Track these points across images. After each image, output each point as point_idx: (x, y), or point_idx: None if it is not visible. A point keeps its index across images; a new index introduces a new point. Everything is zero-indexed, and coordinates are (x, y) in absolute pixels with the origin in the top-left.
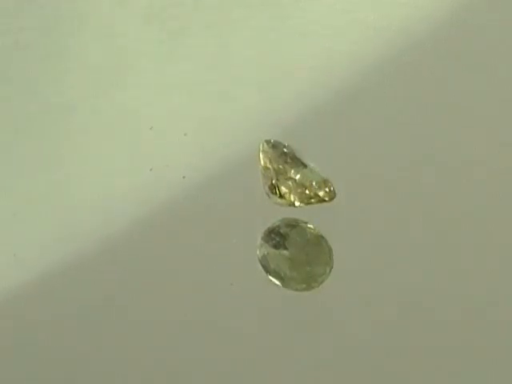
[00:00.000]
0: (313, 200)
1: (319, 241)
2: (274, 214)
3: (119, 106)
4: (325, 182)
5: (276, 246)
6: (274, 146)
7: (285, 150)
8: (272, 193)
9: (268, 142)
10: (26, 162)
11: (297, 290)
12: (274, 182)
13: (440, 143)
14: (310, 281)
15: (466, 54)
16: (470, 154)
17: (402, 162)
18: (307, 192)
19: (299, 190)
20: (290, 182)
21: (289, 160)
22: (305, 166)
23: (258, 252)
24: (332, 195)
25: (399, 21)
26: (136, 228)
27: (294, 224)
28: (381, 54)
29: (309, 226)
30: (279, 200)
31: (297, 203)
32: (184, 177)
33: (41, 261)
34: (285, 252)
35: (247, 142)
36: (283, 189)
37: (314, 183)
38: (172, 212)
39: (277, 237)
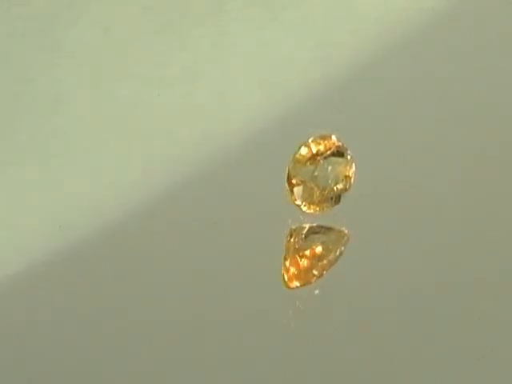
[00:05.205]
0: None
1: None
2: (291, 214)
3: (116, 96)
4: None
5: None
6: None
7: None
8: (290, 192)
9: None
10: (25, 149)
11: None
12: (293, 182)
13: (442, 135)
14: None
15: (465, 44)
16: (473, 148)
17: (402, 153)
18: (314, 196)
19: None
20: (301, 185)
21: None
22: (316, 165)
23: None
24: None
25: (398, 11)
26: (138, 216)
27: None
28: (380, 46)
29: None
30: (293, 199)
31: (304, 207)
32: None
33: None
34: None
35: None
36: (295, 190)
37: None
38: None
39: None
